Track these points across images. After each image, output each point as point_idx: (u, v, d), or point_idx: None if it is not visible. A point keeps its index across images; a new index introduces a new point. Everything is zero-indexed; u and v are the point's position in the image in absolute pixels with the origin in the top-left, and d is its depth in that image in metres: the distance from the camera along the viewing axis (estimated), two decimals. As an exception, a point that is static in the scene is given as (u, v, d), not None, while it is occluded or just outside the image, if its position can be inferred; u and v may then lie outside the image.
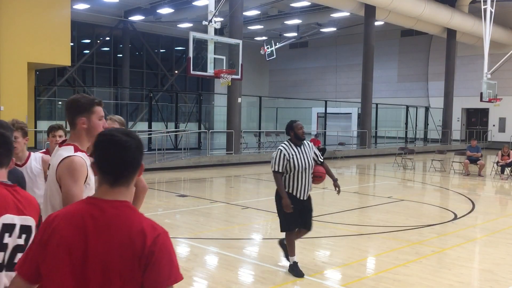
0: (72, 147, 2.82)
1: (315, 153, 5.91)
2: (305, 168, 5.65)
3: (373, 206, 10.85)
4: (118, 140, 1.76)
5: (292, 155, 5.60)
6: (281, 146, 5.71)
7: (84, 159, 2.79)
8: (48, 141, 4.58)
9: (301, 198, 5.69)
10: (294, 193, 5.63)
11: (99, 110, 2.91)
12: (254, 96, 27.71)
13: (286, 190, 5.60)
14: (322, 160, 6.02)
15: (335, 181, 6.09)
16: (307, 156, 5.72)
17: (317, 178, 5.92)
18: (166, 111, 29.93)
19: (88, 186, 2.82)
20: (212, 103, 37.43)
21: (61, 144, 2.91)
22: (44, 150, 4.52)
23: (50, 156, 4.16)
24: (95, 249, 1.67)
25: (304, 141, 5.80)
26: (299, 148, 5.69)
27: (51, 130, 4.50)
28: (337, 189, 6.10)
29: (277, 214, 5.86)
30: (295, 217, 5.66)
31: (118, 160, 1.74)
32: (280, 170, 5.57)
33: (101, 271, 1.66)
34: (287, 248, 5.84)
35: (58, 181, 2.74)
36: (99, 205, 1.74)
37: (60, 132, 4.45)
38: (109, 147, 1.76)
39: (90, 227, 1.70)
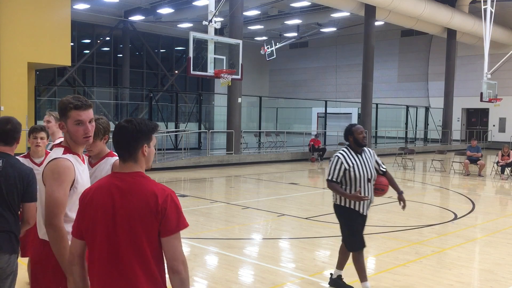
0: (62, 149, 2.79)
1: (376, 161, 5.28)
2: (367, 179, 4.98)
3: (373, 206, 10.82)
4: (119, 126, 2.32)
5: (352, 164, 4.94)
6: (339, 152, 5.03)
7: (71, 162, 2.75)
8: (29, 143, 4.28)
9: (364, 213, 5.02)
10: (356, 207, 4.94)
11: (75, 114, 2.78)
12: (254, 96, 27.71)
13: (344, 204, 4.96)
14: (384, 170, 5.34)
15: (400, 194, 5.26)
16: (369, 165, 5.06)
17: (378, 191, 5.17)
18: (166, 111, 29.92)
19: (76, 190, 2.78)
20: (212, 103, 37.43)
21: (56, 145, 2.91)
22: (25, 153, 4.31)
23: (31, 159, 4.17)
24: (120, 209, 2.25)
25: (365, 148, 5.15)
26: (359, 156, 5.04)
27: (33, 131, 4.23)
28: (402, 203, 5.23)
29: (340, 228, 5.17)
30: (362, 233, 5.03)
31: (119, 142, 2.31)
32: (337, 180, 4.92)
33: (127, 224, 2.24)
34: (358, 272, 5.06)
35: (44, 183, 2.73)
36: (120, 177, 2.31)
37: (42, 134, 4.21)
38: (115, 132, 2.33)
39: (115, 193, 2.28)
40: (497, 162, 16.29)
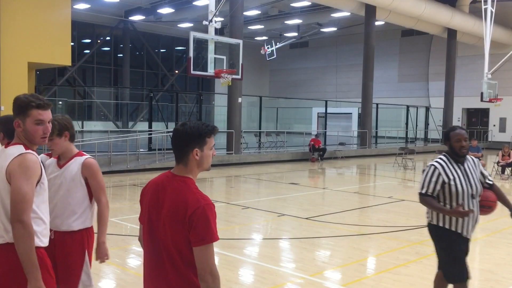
0: (22, 146, 2.69)
1: (481, 172, 4.28)
2: (471, 195, 4.07)
3: (374, 206, 10.85)
4: (174, 129, 2.42)
5: (453, 176, 4.03)
6: (436, 161, 4.13)
7: (37, 157, 2.69)
8: None
9: (468, 236, 4.17)
10: (458, 229, 4.09)
11: (36, 113, 2.69)
12: (254, 96, 27.71)
13: (443, 225, 4.20)
14: (491, 182, 4.37)
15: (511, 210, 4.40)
16: (473, 178, 4.11)
17: (485, 209, 4.28)
18: (167, 111, 29.95)
19: (42, 186, 2.70)
20: (213, 103, 37.43)
21: (7, 144, 2.78)
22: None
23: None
24: (162, 207, 2.36)
25: (468, 156, 4.23)
26: (461, 166, 4.09)
27: None
28: None
29: (436, 253, 4.44)
30: (465, 260, 4.18)
31: (172, 145, 2.41)
32: (433, 194, 4.08)
33: (162, 224, 2.35)
34: None
35: (9, 180, 2.60)
36: (171, 177, 2.42)
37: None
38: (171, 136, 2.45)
39: (161, 193, 2.39)
40: (498, 162, 16.28)
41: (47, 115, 2.76)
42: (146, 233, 2.45)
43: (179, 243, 2.29)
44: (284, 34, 36.57)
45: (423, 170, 4.25)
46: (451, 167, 4.07)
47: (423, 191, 4.12)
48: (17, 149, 2.66)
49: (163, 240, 2.34)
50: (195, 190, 2.35)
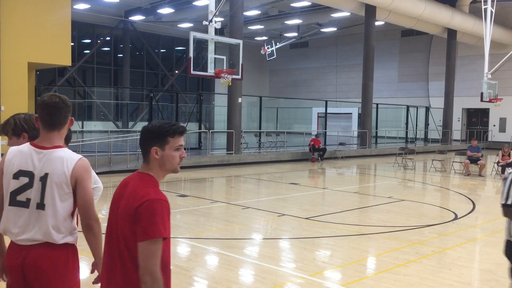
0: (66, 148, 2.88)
1: None
2: None
3: (374, 206, 10.85)
4: (142, 127, 2.43)
5: None
6: None
7: None
8: None
9: None
10: None
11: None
12: (254, 96, 27.72)
13: None
14: None
15: None
16: None
17: None
18: (167, 111, 29.95)
19: None
20: (213, 103, 37.44)
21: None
22: None
23: None
24: (120, 203, 2.34)
25: None
26: None
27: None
28: None
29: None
30: None
31: (139, 141, 2.39)
32: None
33: (117, 220, 2.31)
34: None
35: (72, 184, 2.79)
36: (135, 174, 2.40)
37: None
38: None
39: (124, 188, 2.38)
40: (498, 162, 16.28)
41: None
42: (106, 230, 2.41)
43: (128, 239, 2.23)
44: (284, 34, 36.56)
45: (505, 179, 3.81)
46: None
47: (509, 202, 3.70)
48: (70, 152, 2.77)
49: (116, 237, 2.30)
50: (150, 185, 2.30)
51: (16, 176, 2.66)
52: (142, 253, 2.17)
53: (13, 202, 2.67)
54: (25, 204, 2.66)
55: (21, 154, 2.71)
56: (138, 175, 2.37)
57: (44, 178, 2.65)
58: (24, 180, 2.65)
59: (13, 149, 2.77)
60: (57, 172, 2.65)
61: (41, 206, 2.65)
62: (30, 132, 3.20)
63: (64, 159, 2.69)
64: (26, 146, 2.75)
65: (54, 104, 2.69)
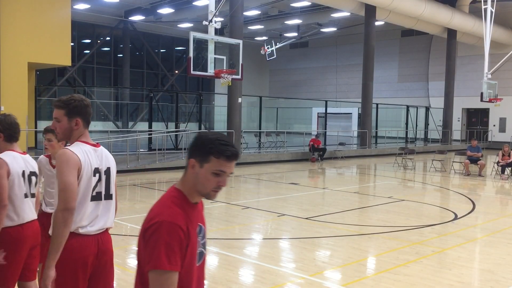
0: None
1: None
2: None
3: (374, 206, 10.85)
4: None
5: None
6: None
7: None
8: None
9: None
10: None
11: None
12: (254, 96, 27.72)
13: None
14: None
15: None
16: None
17: None
18: (167, 111, 29.92)
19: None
20: (213, 103, 37.44)
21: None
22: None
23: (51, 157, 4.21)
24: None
25: None
26: None
27: (44, 132, 4.29)
28: None
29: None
30: None
31: None
32: None
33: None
34: None
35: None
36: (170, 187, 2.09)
37: (49, 136, 4.17)
38: None
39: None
40: (498, 162, 16.27)
41: None
42: None
43: (141, 263, 1.96)
44: (284, 34, 36.57)
45: None
46: None
47: None
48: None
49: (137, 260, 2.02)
50: (170, 203, 1.97)
51: (94, 173, 2.94)
52: (150, 284, 1.89)
53: (92, 197, 2.95)
54: (98, 197, 2.97)
55: (87, 153, 2.95)
56: (169, 188, 2.06)
57: (107, 172, 3.02)
58: (97, 176, 2.97)
59: (75, 149, 2.92)
60: (114, 165, 3.10)
61: (109, 196, 3.03)
62: (5, 132, 3.46)
63: (110, 154, 3.12)
64: (83, 145, 2.97)
65: (90, 104, 3.05)
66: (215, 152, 1.93)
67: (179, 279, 1.92)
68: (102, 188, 2.98)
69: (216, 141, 1.94)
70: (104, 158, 3.02)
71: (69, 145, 2.96)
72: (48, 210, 4.16)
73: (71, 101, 2.93)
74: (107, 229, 3.03)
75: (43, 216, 4.21)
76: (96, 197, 2.94)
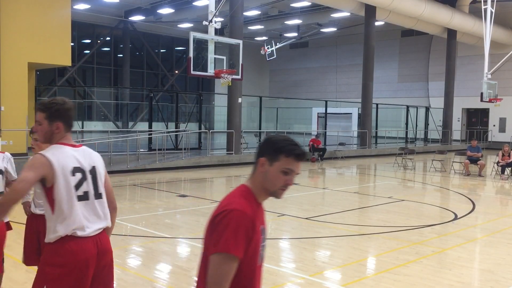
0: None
1: None
2: None
3: (374, 206, 10.85)
4: None
5: None
6: None
7: None
8: None
9: None
10: None
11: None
12: (254, 96, 27.72)
13: None
14: None
15: None
16: None
17: None
18: (167, 111, 29.92)
19: None
20: (213, 103, 37.45)
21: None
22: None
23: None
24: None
25: None
26: None
27: (31, 132, 4.25)
28: None
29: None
30: None
31: None
32: None
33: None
34: None
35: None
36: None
37: (35, 135, 4.11)
38: None
39: None
40: (498, 162, 16.27)
41: None
42: None
43: (205, 249, 2.08)
44: (284, 34, 36.57)
45: None
46: None
47: None
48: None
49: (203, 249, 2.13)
50: (239, 195, 2.10)
51: (73, 173, 2.87)
52: (209, 267, 1.99)
53: (79, 197, 2.90)
54: (85, 196, 2.91)
55: (63, 154, 2.88)
56: (239, 185, 2.17)
57: (93, 171, 2.97)
58: (79, 175, 2.89)
59: (48, 153, 2.86)
60: (100, 163, 3.05)
61: (98, 195, 2.98)
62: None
63: (95, 153, 3.07)
64: (60, 147, 2.91)
65: (72, 107, 3.00)
66: (286, 151, 2.07)
67: (242, 277, 2.03)
68: (89, 187, 2.92)
69: (286, 141, 2.09)
70: (87, 157, 2.97)
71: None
72: (38, 211, 4.19)
73: (53, 105, 2.89)
74: (104, 230, 3.01)
75: (34, 218, 4.24)
76: (84, 197, 2.89)
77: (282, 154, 2.07)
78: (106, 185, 3.07)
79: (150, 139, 18.90)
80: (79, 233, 2.84)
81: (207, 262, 2.03)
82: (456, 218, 9.30)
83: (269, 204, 8.63)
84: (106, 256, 2.98)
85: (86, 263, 2.85)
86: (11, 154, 4.45)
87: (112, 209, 3.11)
